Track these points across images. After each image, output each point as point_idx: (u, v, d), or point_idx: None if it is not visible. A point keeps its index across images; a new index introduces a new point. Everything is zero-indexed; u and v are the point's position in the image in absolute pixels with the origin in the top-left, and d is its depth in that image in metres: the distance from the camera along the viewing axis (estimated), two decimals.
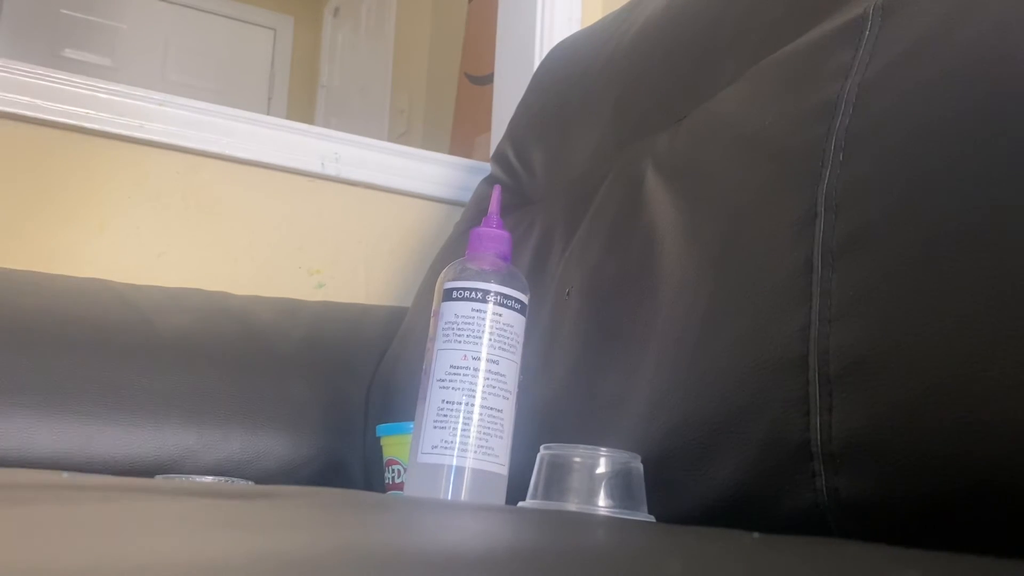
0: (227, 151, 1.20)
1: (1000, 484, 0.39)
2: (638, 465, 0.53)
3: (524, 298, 0.63)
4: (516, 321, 0.62)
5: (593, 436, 0.62)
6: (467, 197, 1.22)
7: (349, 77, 3.63)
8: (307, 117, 3.76)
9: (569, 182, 0.89)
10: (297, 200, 1.25)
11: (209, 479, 0.77)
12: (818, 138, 0.54)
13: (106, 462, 0.81)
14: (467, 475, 0.58)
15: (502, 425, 0.60)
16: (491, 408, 0.59)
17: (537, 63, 1.16)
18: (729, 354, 0.53)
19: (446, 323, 0.61)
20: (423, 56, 3.02)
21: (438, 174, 1.34)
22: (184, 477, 0.79)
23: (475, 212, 1.05)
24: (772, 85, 0.63)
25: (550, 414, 0.69)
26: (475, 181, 1.17)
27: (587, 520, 0.44)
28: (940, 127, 0.47)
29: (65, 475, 0.55)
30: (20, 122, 1.11)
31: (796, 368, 0.48)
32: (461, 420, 0.58)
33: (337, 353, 1.03)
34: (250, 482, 0.80)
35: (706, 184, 0.64)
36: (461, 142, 2.62)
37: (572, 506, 0.51)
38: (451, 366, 0.59)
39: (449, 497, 0.57)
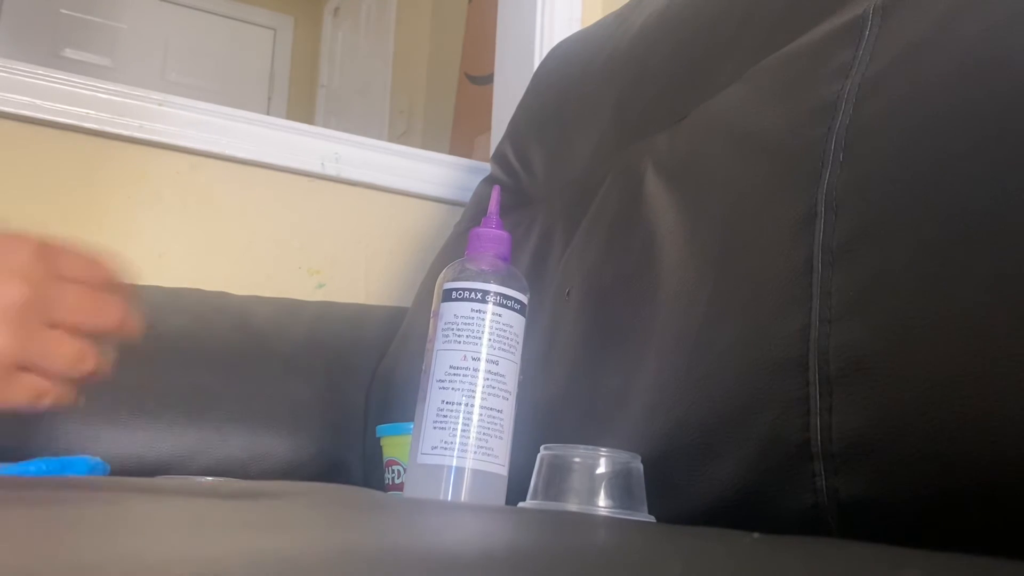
0: (227, 151, 1.20)
1: (1000, 484, 0.39)
2: (638, 465, 0.53)
3: (524, 298, 0.63)
4: (516, 321, 0.62)
5: (593, 436, 0.62)
6: (467, 197, 1.22)
7: (349, 77, 3.63)
8: (307, 117, 3.76)
9: (569, 182, 0.89)
10: (297, 200, 1.25)
11: (209, 480, 0.77)
12: (818, 138, 0.54)
13: (106, 462, 0.81)
14: (467, 476, 0.58)
15: (502, 426, 0.60)
16: (491, 409, 0.59)
17: (537, 63, 1.16)
18: (729, 354, 0.53)
19: (445, 323, 0.61)
20: (423, 56, 3.02)
21: (438, 174, 1.34)
22: (183, 478, 0.79)
23: (475, 212, 1.05)
24: (772, 85, 0.63)
25: (550, 414, 0.69)
26: (475, 181, 1.17)
27: (587, 520, 0.44)
28: (940, 126, 0.47)
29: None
30: (20, 122, 1.11)
31: (796, 368, 0.48)
32: (461, 421, 0.58)
33: (337, 353, 1.03)
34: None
35: (706, 184, 0.64)
36: (461, 142, 2.62)
37: (572, 506, 0.51)
38: (451, 367, 0.59)
39: (449, 498, 0.57)
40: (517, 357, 0.62)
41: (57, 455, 0.64)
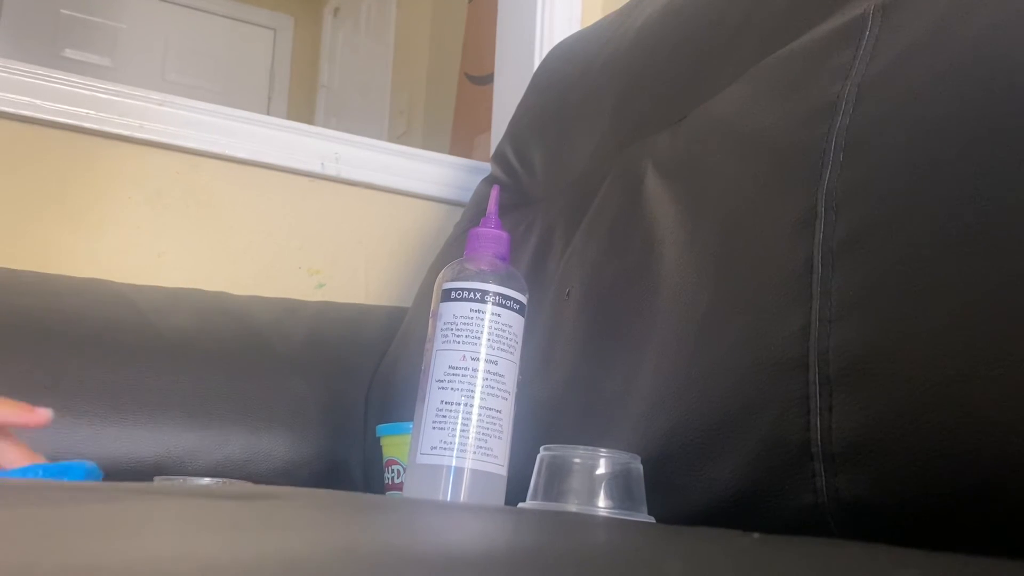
0: (227, 151, 1.20)
1: (1000, 483, 0.39)
2: (638, 466, 0.53)
3: (523, 298, 0.63)
4: (515, 321, 0.62)
5: (593, 436, 0.62)
6: (467, 197, 1.22)
7: (349, 77, 3.63)
8: (307, 117, 3.76)
9: (569, 182, 0.89)
10: (297, 200, 1.25)
11: (207, 481, 0.77)
12: (818, 138, 0.54)
13: (106, 462, 0.81)
14: (466, 476, 0.58)
15: (501, 426, 0.60)
16: (490, 409, 0.59)
17: (537, 63, 1.16)
18: (729, 354, 0.53)
19: (445, 324, 0.61)
20: (423, 56, 3.02)
21: (438, 174, 1.34)
22: (182, 479, 0.79)
23: (475, 212, 1.05)
24: (772, 85, 0.63)
25: (550, 414, 0.69)
26: (475, 181, 1.17)
27: (587, 521, 0.44)
28: (940, 126, 0.47)
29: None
30: (20, 122, 1.11)
31: (796, 368, 0.48)
32: (460, 421, 0.58)
33: (337, 353, 1.03)
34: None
35: (706, 184, 0.64)
36: (461, 142, 2.62)
37: (572, 507, 0.51)
38: (450, 367, 0.59)
39: (448, 498, 0.57)
40: (516, 357, 0.62)
41: (56, 457, 0.64)
